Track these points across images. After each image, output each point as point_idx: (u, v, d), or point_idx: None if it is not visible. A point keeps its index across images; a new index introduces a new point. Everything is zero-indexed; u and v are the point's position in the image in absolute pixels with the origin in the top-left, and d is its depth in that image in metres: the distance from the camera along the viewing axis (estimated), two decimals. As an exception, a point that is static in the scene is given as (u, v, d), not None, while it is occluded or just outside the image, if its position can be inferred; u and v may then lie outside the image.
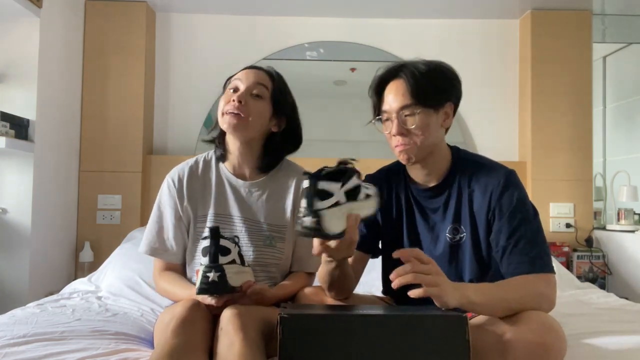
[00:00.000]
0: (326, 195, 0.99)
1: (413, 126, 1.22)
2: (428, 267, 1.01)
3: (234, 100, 1.29)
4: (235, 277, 1.14)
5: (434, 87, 1.24)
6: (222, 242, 1.15)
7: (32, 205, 2.21)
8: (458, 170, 1.29)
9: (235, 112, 1.29)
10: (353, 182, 1.03)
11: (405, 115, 1.23)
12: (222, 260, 1.13)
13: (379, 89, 1.28)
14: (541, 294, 1.11)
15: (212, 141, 1.43)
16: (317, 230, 0.98)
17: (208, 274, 1.11)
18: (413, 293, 0.99)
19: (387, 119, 1.27)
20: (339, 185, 1.01)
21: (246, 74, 1.35)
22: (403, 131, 1.22)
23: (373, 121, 1.31)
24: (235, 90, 1.33)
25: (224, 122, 1.31)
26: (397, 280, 0.99)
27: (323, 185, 0.99)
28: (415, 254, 1.03)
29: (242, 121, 1.30)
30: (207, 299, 1.16)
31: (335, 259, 1.13)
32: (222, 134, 1.39)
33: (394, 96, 1.24)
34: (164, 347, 1.01)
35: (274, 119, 1.38)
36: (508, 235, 1.18)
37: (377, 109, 1.29)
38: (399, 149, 1.25)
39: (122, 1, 2.68)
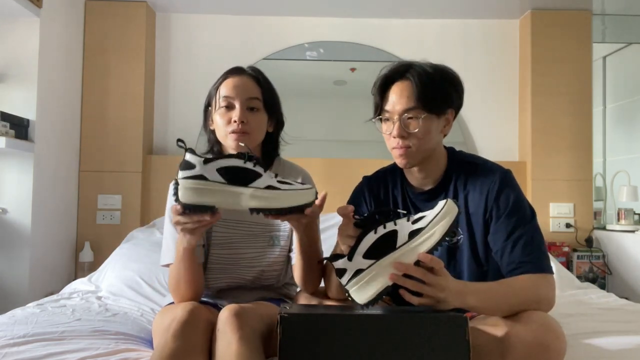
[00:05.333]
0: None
1: (415, 130, 1.21)
2: (436, 280, 1.00)
3: (235, 121, 1.29)
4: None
5: (440, 92, 1.22)
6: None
7: (32, 205, 2.21)
8: (454, 173, 1.29)
9: (241, 132, 1.29)
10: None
11: (408, 118, 1.21)
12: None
13: (383, 88, 1.26)
14: (540, 294, 1.11)
15: (209, 152, 1.42)
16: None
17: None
18: (411, 299, 1.01)
19: (387, 119, 1.26)
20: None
21: (236, 89, 1.33)
22: (404, 134, 1.21)
23: (373, 120, 1.30)
24: (229, 106, 1.32)
25: (231, 142, 1.31)
26: (397, 279, 1.00)
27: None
28: (434, 263, 1.01)
29: (247, 138, 1.31)
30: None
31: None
32: (218, 143, 1.39)
33: (399, 97, 1.22)
34: (164, 350, 1.01)
35: (269, 121, 1.39)
36: (506, 236, 1.18)
37: (379, 108, 1.27)
38: (398, 152, 1.24)
39: (122, 1, 2.68)
